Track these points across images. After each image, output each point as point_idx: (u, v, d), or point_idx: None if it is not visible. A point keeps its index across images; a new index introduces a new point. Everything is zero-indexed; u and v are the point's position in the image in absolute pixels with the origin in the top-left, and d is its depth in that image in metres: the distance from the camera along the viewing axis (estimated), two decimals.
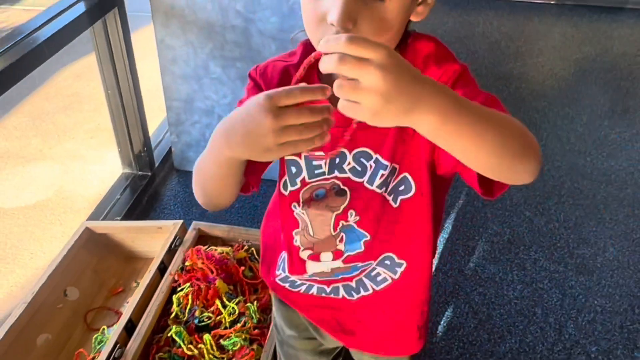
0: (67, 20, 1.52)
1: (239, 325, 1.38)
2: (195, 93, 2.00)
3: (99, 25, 1.74)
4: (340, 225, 0.82)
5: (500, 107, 0.64)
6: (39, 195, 2.15)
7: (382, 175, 0.76)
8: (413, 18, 0.69)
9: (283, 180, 0.82)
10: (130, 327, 1.37)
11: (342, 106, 0.51)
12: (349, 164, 0.77)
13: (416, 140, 0.73)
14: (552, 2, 3.69)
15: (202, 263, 1.49)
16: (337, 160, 0.77)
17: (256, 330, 1.38)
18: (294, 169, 0.79)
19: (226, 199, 0.75)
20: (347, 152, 0.77)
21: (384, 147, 0.75)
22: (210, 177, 0.72)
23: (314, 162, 0.78)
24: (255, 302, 1.44)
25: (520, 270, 1.81)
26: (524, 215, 2.01)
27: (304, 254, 0.86)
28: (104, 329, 1.48)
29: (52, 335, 1.47)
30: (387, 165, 0.75)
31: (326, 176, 0.79)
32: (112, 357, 1.28)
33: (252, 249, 1.60)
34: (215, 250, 1.55)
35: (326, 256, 0.85)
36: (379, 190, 0.77)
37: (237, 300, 1.43)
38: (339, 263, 0.85)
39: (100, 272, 1.66)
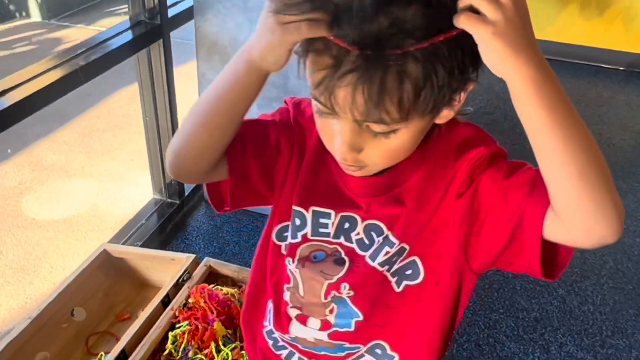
0: (107, 49, 1.58)
1: None
2: None
3: (143, 54, 1.79)
4: (332, 295, 0.76)
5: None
6: (71, 211, 2.20)
7: (387, 252, 0.71)
8: (439, 121, 0.65)
9: (278, 228, 0.78)
10: (122, 359, 1.35)
11: (465, 15, 0.52)
12: (358, 234, 0.73)
13: (435, 230, 0.69)
14: (620, 68, 3.54)
15: (205, 302, 1.46)
16: (347, 225, 0.73)
17: None
18: (298, 221, 0.75)
19: (211, 140, 0.68)
20: (359, 219, 0.72)
21: (396, 224, 0.70)
22: (216, 93, 0.67)
23: (321, 220, 0.74)
24: None
25: (543, 353, 1.67)
26: (556, 293, 1.88)
27: (292, 312, 0.81)
28: (101, 355, 1.47)
29: (51, 354, 1.47)
30: (395, 244, 0.71)
31: (330, 239, 0.74)
32: None
33: None
34: (221, 290, 1.52)
35: (314, 323, 0.80)
36: (380, 269, 0.72)
37: (233, 346, 1.39)
38: (324, 336, 0.79)
39: (111, 295, 1.67)
